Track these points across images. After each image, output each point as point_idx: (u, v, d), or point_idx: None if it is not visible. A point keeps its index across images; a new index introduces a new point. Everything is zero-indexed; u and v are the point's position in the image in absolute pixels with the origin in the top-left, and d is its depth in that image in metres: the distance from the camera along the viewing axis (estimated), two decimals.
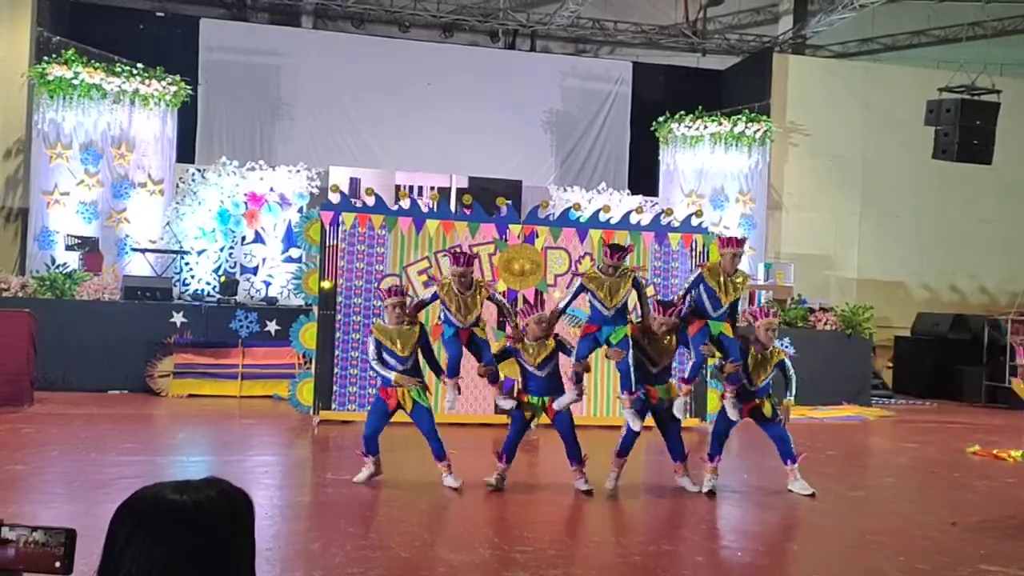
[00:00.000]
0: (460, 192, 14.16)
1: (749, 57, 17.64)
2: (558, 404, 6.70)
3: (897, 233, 16.53)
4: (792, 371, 7.03)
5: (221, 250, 13.76)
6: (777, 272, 14.69)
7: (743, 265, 15.59)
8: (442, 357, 7.10)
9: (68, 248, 12.80)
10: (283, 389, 10.48)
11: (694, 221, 10.89)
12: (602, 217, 10.57)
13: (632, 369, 6.81)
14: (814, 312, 13.42)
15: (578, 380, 6.82)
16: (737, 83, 17.28)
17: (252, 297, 13.36)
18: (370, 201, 10.33)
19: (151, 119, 13.70)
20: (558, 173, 16.86)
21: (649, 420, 7.01)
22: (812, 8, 17.23)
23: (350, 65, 16.14)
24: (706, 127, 15.59)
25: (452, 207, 12.76)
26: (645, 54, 17.94)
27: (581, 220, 10.56)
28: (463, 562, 5.03)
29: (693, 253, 10.72)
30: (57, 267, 12.40)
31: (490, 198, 10.84)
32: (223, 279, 13.07)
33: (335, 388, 9.81)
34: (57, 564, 1.55)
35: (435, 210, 10.60)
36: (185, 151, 14.76)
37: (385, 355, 6.67)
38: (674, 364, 7.35)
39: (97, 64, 13.25)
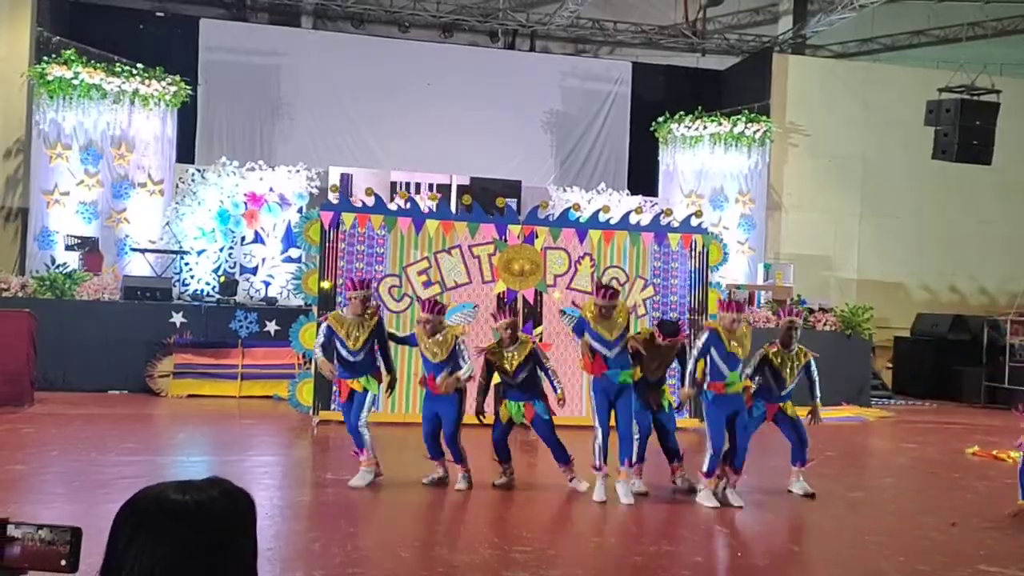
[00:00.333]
0: (460, 191, 14.16)
1: (749, 57, 17.65)
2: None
3: (897, 233, 16.54)
4: (816, 373, 6.95)
5: (221, 250, 13.75)
6: (777, 272, 14.70)
7: (744, 266, 15.68)
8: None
9: (68, 248, 12.80)
10: (283, 389, 10.49)
11: (694, 221, 10.90)
12: (602, 217, 10.58)
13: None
14: (814, 313, 13.42)
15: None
16: (737, 83, 17.29)
17: (252, 297, 13.36)
18: (370, 201, 10.33)
19: (151, 119, 13.70)
20: (558, 173, 16.86)
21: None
22: (812, 8, 17.24)
23: (350, 65, 16.15)
24: (706, 127, 15.60)
25: (452, 207, 12.76)
26: (645, 54, 17.95)
27: (581, 220, 10.56)
28: (463, 562, 5.03)
29: (693, 253, 10.72)
30: (57, 267, 12.40)
31: (490, 198, 10.85)
32: (223, 279, 13.07)
33: (335, 388, 9.80)
34: (63, 563, 1.56)
35: (435, 210, 10.60)
36: (185, 151, 14.76)
37: (337, 344, 6.68)
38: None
39: (97, 64, 13.25)
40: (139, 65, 13.52)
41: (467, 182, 14.91)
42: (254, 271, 13.75)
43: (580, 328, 6.80)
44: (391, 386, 6.88)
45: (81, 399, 10.39)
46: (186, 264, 13.56)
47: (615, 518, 6.37)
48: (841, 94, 16.41)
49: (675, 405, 7.32)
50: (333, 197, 10.56)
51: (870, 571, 5.33)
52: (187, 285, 13.41)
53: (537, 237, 10.31)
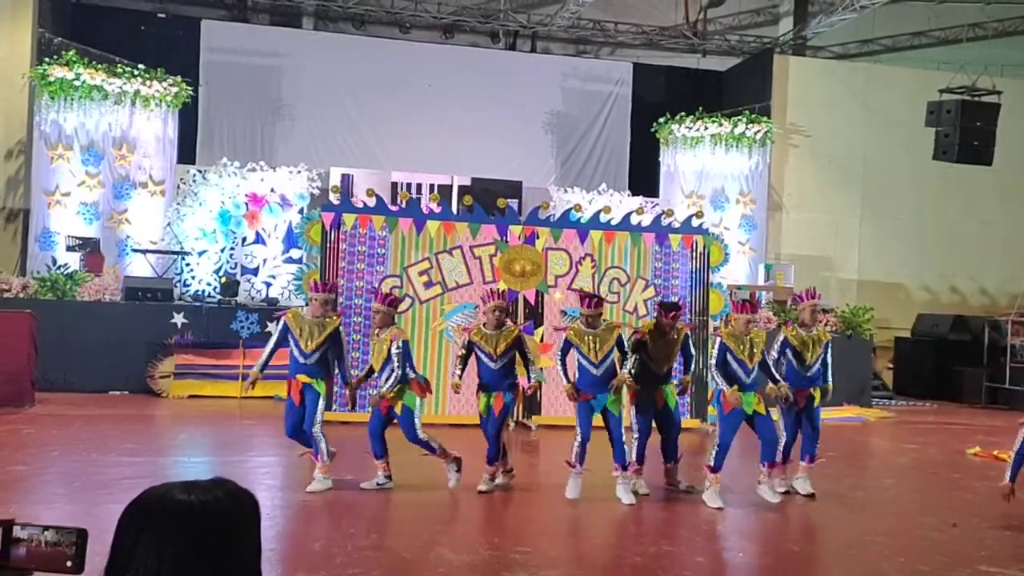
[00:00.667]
0: (461, 192, 14.16)
1: (749, 58, 17.65)
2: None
3: (897, 234, 16.54)
4: (830, 357, 7.10)
5: (222, 251, 13.76)
6: (777, 273, 14.70)
7: (745, 266, 15.68)
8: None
9: (69, 249, 12.80)
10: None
11: (695, 222, 10.90)
12: (603, 218, 10.58)
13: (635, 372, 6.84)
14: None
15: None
16: (737, 84, 17.29)
17: (253, 298, 13.37)
18: (371, 202, 10.34)
19: (152, 120, 13.71)
20: (559, 174, 16.87)
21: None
22: (812, 9, 17.25)
23: (351, 66, 16.16)
24: (706, 128, 15.60)
25: (453, 207, 12.77)
26: (645, 55, 17.95)
27: (582, 221, 10.56)
28: (464, 562, 5.03)
29: (694, 254, 10.73)
30: (58, 268, 12.42)
31: (491, 199, 10.86)
32: (224, 280, 13.08)
33: (336, 389, 9.81)
34: (68, 564, 1.56)
35: (436, 211, 10.61)
36: (186, 152, 14.77)
37: (291, 343, 6.61)
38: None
39: (98, 65, 13.26)
40: (140, 66, 13.53)
41: (468, 183, 14.91)
42: (255, 272, 13.76)
43: (566, 348, 6.78)
44: (352, 399, 6.85)
45: (82, 400, 10.40)
46: (187, 265, 13.57)
47: (615, 518, 6.37)
48: (842, 95, 16.41)
49: (679, 403, 7.33)
50: (334, 198, 10.56)
51: (870, 571, 5.33)
52: (188, 286, 13.42)
53: (538, 238, 10.32)
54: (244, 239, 13.86)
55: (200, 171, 14.06)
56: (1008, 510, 6.44)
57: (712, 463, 6.58)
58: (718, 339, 6.79)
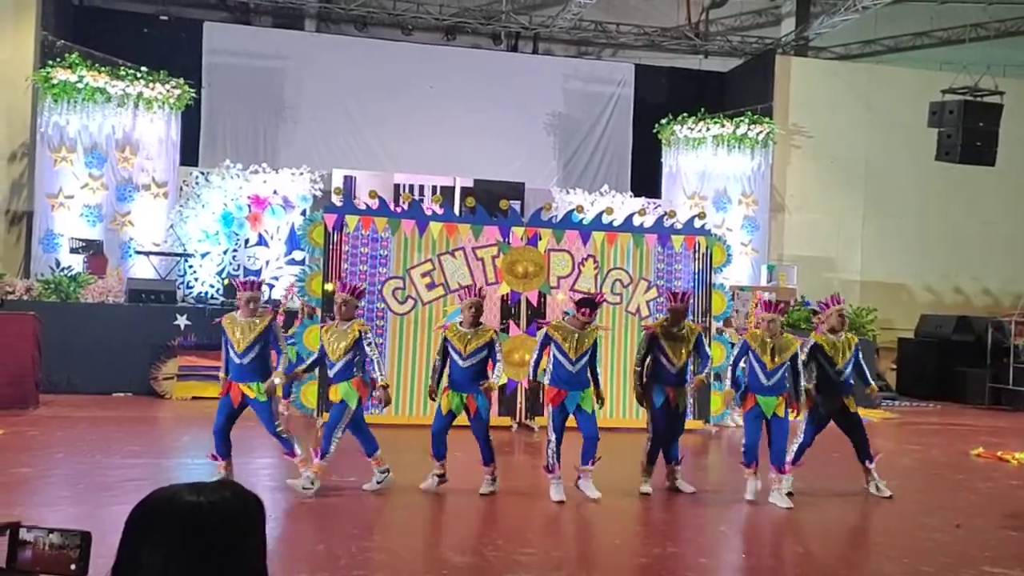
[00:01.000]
0: (463, 193, 14.17)
1: (752, 59, 17.65)
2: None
3: (900, 235, 16.53)
4: (863, 357, 7.23)
5: (225, 253, 13.78)
6: (780, 274, 14.69)
7: (747, 267, 15.67)
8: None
9: (72, 251, 12.83)
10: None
11: (697, 223, 10.90)
12: (605, 219, 10.58)
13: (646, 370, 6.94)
14: (817, 314, 13.39)
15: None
16: (740, 85, 17.29)
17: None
18: (373, 204, 10.34)
19: (155, 122, 13.73)
20: (561, 175, 16.88)
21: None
22: (815, 10, 17.24)
23: (353, 68, 16.18)
24: (708, 129, 15.61)
25: (456, 209, 12.77)
26: (647, 56, 17.96)
27: (584, 222, 10.56)
28: (467, 564, 5.03)
29: (696, 255, 10.72)
30: (61, 270, 12.44)
31: (493, 200, 10.86)
32: (226, 282, 13.10)
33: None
34: (73, 567, 1.57)
35: (439, 213, 10.61)
36: (189, 154, 14.80)
37: (228, 345, 6.60)
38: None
39: (101, 68, 13.29)
40: (143, 68, 13.56)
41: (470, 184, 14.92)
42: (258, 274, 13.77)
43: (546, 342, 6.81)
44: (287, 393, 6.75)
45: (86, 401, 10.41)
46: (190, 267, 13.59)
47: (619, 520, 6.37)
48: (844, 96, 16.40)
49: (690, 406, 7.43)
50: (337, 200, 10.57)
51: (874, 572, 5.33)
52: (191, 287, 13.44)
53: (540, 239, 10.32)
54: (247, 241, 13.88)
55: (203, 173, 14.08)
56: (1012, 511, 6.43)
57: (744, 460, 6.84)
58: (742, 340, 7.03)
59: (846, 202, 16.52)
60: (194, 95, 14.30)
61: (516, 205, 12.94)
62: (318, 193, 14.09)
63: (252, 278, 7.17)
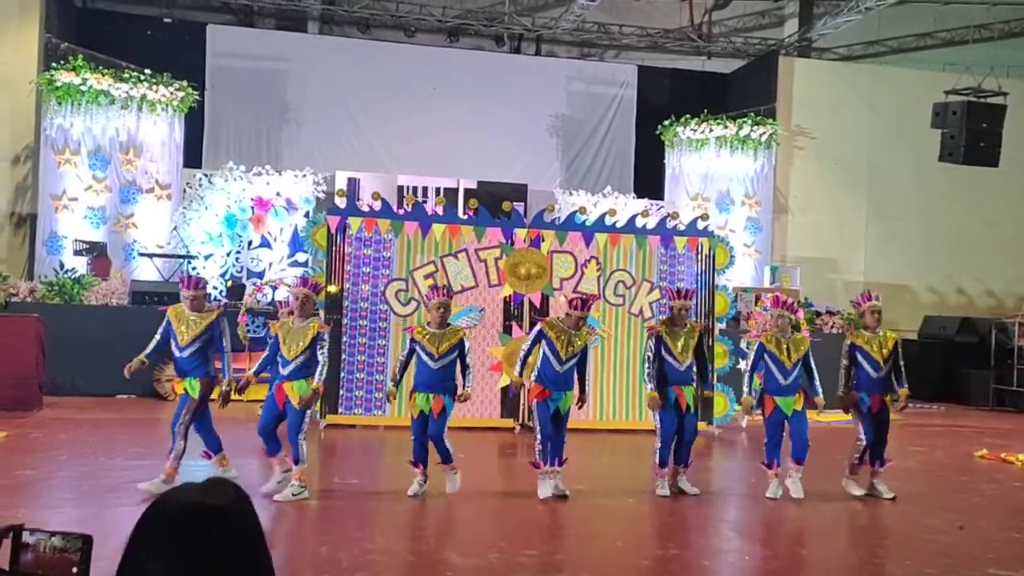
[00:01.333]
0: (467, 195, 14.19)
1: (755, 60, 17.64)
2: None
3: (903, 236, 16.50)
4: (901, 359, 7.25)
5: (228, 255, 13.80)
6: (783, 275, 14.67)
7: (750, 268, 15.64)
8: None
9: (76, 253, 12.85)
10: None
11: (700, 224, 10.90)
12: (608, 221, 10.58)
13: (654, 368, 6.96)
14: (820, 315, 13.40)
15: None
16: (742, 86, 17.29)
17: (259, 301, 13.39)
18: (376, 206, 10.36)
19: (158, 124, 13.76)
20: (564, 177, 16.88)
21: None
22: (818, 11, 17.23)
23: (356, 70, 16.20)
24: (711, 130, 15.60)
25: (460, 211, 12.78)
26: (650, 58, 17.95)
27: (587, 224, 10.57)
28: (470, 566, 5.04)
29: (699, 256, 10.72)
30: (65, 272, 12.46)
31: (496, 202, 10.86)
32: (230, 283, 13.11)
33: (341, 392, 9.84)
34: (74, 570, 1.57)
35: (441, 214, 10.62)
36: (192, 156, 14.82)
37: (172, 339, 6.63)
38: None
39: (105, 70, 13.32)
40: (147, 71, 13.59)
41: (474, 186, 14.93)
42: (261, 275, 13.80)
43: (538, 338, 6.81)
44: (225, 398, 6.58)
45: (89, 403, 10.43)
46: (193, 268, 13.60)
47: (622, 521, 6.37)
48: (847, 97, 16.39)
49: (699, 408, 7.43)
50: (340, 201, 10.58)
51: (877, 574, 5.32)
52: None
53: (543, 240, 10.32)
54: (250, 243, 13.90)
55: (206, 175, 14.11)
56: (1016, 513, 6.42)
57: (765, 461, 6.97)
58: (757, 343, 7.09)
59: (849, 203, 16.50)
60: (197, 97, 14.32)
61: (520, 207, 12.96)
62: (321, 195, 14.11)
63: (196, 276, 7.06)
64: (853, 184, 16.49)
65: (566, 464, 6.83)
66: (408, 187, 14.89)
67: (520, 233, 10.29)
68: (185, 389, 6.62)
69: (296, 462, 6.42)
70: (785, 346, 6.94)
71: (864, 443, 7.14)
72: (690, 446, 7.11)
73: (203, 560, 1.37)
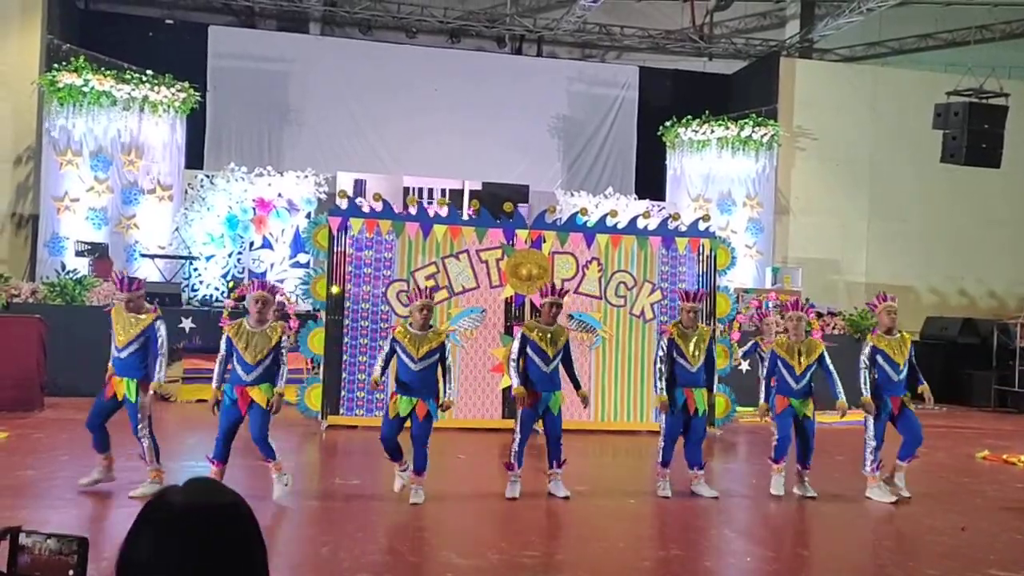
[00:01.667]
0: (472, 196, 14.20)
1: (756, 61, 17.64)
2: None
3: (905, 237, 16.49)
4: (914, 358, 7.30)
5: (229, 255, 13.81)
6: (785, 276, 14.66)
7: (752, 270, 15.61)
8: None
9: (78, 254, 12.87)
10: (291, 394, 10.49)
11: (701, 225, 10.89)
12: (609, 222, 10.58)
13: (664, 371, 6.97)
14: (822, 316, 13.38)
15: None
16: (744, 87, 17.28)
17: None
18: (378, 207, 10.36)
19: (160, 125, 13.78)
20: (565, 178, 16.88)
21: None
22: (819, 12, 17.23)
23: (357, 71, 16.22)
24: (713, 131, 15.60)
25: (465, 213, 12.78)
26: (652, 59, 17.96)
27: (588, 225, 10.56)
28: (471, 567, 5.03)
29: (700, 258, 10.71)
30: (67, 273, 12.47)
31: (499, 203, 10.86)
32: (231, 284, 13.12)
33: (343, 393, 9.84)
34: (71, 572, 1.56)
35: (445, 215, 10.62)
36: (194, 157, 14.84)
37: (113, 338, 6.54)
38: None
39: (107, 71, 13.34)
40: (148, 72, 13.61)
41: (479, 187, 14.94)
42: (262, 276, 13.80)
43: (524, 343, 6.76)
44: (162, 394, 6.50)
45: (90, 404, 10.37)
46: (195, 269, 13.62)
47: (624, 522, 6.36)
48: (849, 98, 16.38)
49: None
50: (341, 202, 10.59)
51: (879, 575, 5.31)
52: (196, 290, 13.47)
53: (544, 241, 10.32)
54: (251, 244, 13.91)
55: (208, 176, 14.12)
56: (1018, 514, 6.41)
57: (773, 455, 7.05)
58: (770, 351, 7.18)
59: (851, 204, 16.49)
60: (199, 98, 14.34)
61: (523, 208, 12.96)
62: (323, 196, 14.12)
63: (132, 277, 6.87)
64: (855, 185, 16.48)
65: (566, 465, 6.81)
66: (414, 188, 14.90)
67: (521, 234, 10.29)
68: (126, 394, 6.48)
69: (272, 458, 6.38)
70: (796, 350, 7.02)
71: (876, 444, 7.14)
72: (699, 447, 7.10)
73: (199, 561, 1.36)
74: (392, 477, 6.63)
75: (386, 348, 6.59)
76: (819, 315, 13.28)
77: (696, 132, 15.67)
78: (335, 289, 9.88)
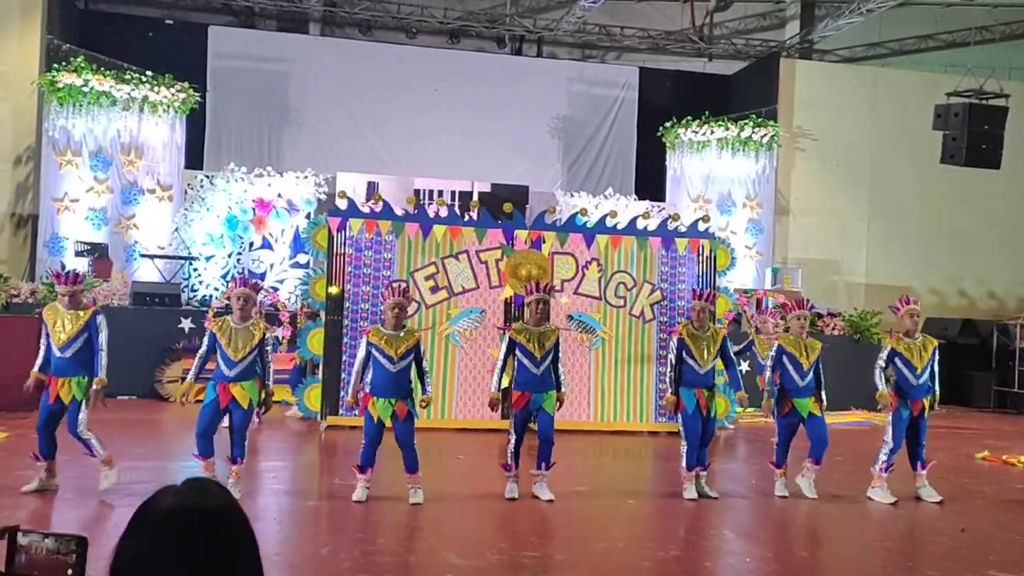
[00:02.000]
0: (480, 198, 14.20)
1: (756, 62, 17.64)
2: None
3: (905, 237, 16.50)
4: (936, 364, 7.23)
5: (229, 256, 13.81)
6: (785, 277, 14.67)
7: (751, 270, 15.61)
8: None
9: (78, 254, 12.87)
10: (291, 395, 10.50)
11: (701, 226, 10.89)
12: (609, 222, 10.59)
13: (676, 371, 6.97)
14: (822, 317, 13.38)
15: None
16: (744, 88, 17.29)
17: (260, 303, 13.40)
18: (377, 207, 10.36)
19: (160, 126, 13.78)
20: (565, 178, 16.89)
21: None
22: (819, 13, 17.24)
23: (357, 71, 16.22)
24: (713, 132, 15.61)
25: (475, 213, 12.79)
26: (652, 59, 17.96)
27: (588, 225, 10.57)
28: (471, 567, 5.03)
29: (700, 258, 10.72)
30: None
31: (497, 203, 10.86)
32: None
33: (342, 394, 9.84)
34: (69, 571, 1.56)
35: (443, 215, 10.62)
36: (193, 157, 14.84)
37: (46, 339, 6.52)
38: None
39: (107, 71, 13.34)
40: (148, 72, 13.61)
41: (488, 188, 14.94)
42: (262, 277, 13.81)
43: (511, 347, 6.73)
44: (104, 392, 6.38)
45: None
46: (195, 270, 13.62)
47: (624, 523, 6.36)
48: (849, 99, 16.39)
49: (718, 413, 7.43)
50: (341, 203, 10.59)
51: None
52: (196, 291, 13.47)
53: (544, 242, 10.32)
54: (251, 244, 13.91)
55: (207, 176, 14.12)
56: (1018, 515, 6.41)
57: (775, 460, 7.08)
58: (776, 345, 7.14)
59: (851, 205, 16.49)
60: (199, 99, 14.35)
61: (519, 208, 12.94)
62: (322, 196, 14.12)
63: (72, 271, 6.73)
64: (854, 186, 16.48)
65: (554, 467, 6.78)
66: (424, 190, 14.90)
67: (521, 234, 10.29)
68: (73, 394, 6.37)
69: (239, 460, 6.34)
70: (803, 346, 7.03)
71: (892, 446, 7.12)
72: (706, 448, 7.10)
73: (192, 562, 1.36)
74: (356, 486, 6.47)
75: (361, 353, 6.42)
76: (819, 316, 13.30)
77: (696, 133, 15.68)
78: (334, 289, 9.88)
